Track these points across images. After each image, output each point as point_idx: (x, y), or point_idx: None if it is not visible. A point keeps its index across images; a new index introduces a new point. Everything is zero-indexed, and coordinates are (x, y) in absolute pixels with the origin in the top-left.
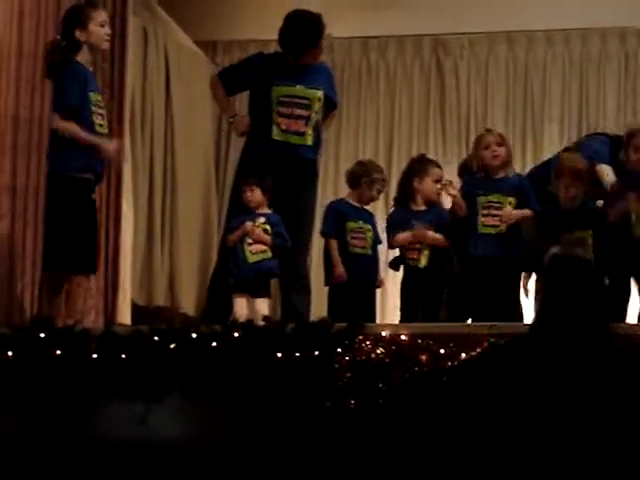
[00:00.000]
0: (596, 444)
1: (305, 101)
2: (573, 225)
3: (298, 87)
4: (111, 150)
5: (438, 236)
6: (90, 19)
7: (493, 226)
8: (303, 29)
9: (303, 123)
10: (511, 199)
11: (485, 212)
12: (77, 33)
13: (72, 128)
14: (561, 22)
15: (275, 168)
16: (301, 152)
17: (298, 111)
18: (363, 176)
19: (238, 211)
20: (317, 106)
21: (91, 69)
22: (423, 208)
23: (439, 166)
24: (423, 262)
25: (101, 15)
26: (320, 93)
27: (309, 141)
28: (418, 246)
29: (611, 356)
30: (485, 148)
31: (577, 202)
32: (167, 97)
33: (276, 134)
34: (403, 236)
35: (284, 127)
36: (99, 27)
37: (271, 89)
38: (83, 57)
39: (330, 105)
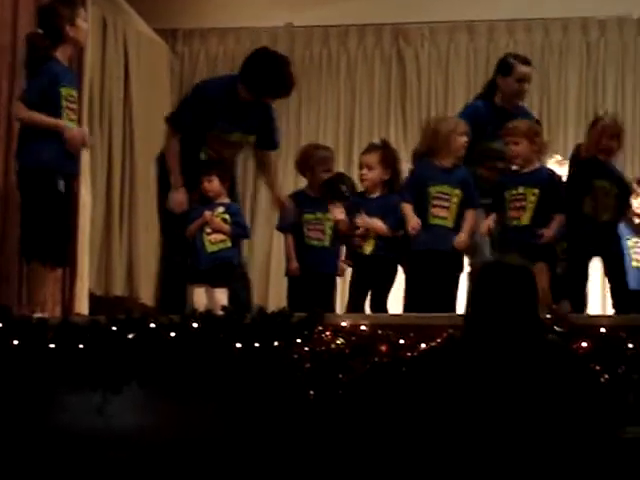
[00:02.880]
0: (529, 433)
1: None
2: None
3: (235, 134)
4: (74, 135)
5: (380, 225)
6: (78, 14)
7: (443, 217)
8: (284, 79)
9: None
10: (457, 191)
11: (435, 203)
12: (67, 28)
13: (35, 116)
14: (522, 12)
15: None
16: None
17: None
18: (304, 161)
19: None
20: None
21: (66, 64)
22: (375, 195)
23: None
24: (368, 249)
25: (83, 11)
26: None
27: None
28: (360, 232)
29: (539, 349)
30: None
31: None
32: (126, 85)
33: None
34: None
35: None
36: (84, 23)
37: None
38: (63, 52)
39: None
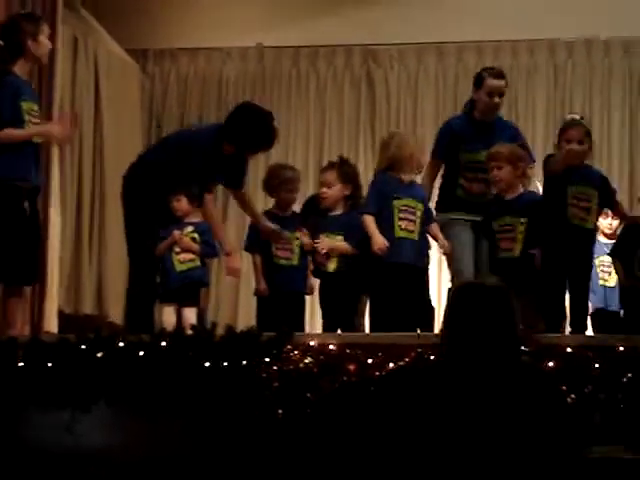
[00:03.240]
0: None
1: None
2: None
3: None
4: (54, 131)
5: (342, 245)
6: (41, 31)
7: (410, 231)
8: (270, 136)
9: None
10: (420, 206)
11: (402, 216)
12: (29, 43)
13: (5, 133)
14: (490, 34)
15: None
16: None
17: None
18: (270, 180)
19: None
20: None
21: (25, 78)
22: (337, 213)
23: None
24: (331, 267)
25: (47, 28)
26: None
27: None
28: (323, 252)
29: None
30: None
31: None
32: (96, 105)
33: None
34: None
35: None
36: (46, 40)
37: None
38: (22, 67)
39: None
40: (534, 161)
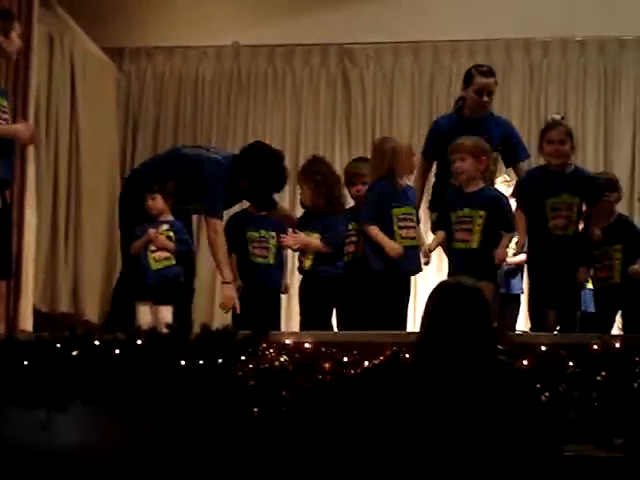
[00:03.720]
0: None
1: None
2: None
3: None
4: (22, 130)
5: (315, 241)
6: (13, 28)
7: (412, 238)
8: (283, 177)
9: None
10: (415, 211)
11: (402, 224)
12: (1, 39)
13: None
14: (466, 33)
15: None
16: None
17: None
18: None
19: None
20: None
21: None
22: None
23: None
24: (307, 264)
25: (19, 27)
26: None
27: None
28: (297, 247)
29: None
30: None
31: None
32: (72, 103)
33: None
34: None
35: None
36: (17, 38)
37: None
38: None
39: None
40: (529, 156)
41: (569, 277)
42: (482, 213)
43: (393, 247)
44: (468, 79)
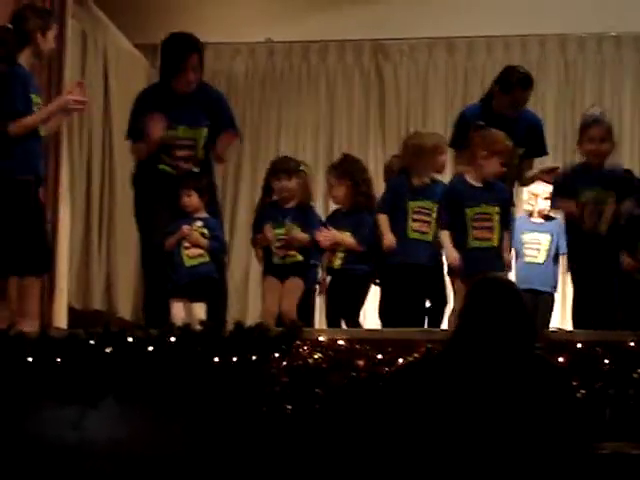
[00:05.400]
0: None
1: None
2: None
3: (181, 129)
4: (69, 100)
5: (347, 239)
6: (50, 28)
7: (424, 232)
8: (168, 51)
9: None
10: (436, 207)
11: (416, 217)
12: (39, 37)
13: (24, 121)
14: (501, 29)
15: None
16: None
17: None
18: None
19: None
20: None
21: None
22: (345, 210)
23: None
24: (336, 263)
25: (55, 28)
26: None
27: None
28: (328, 246)
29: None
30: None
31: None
32: (105, 100)
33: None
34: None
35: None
36: (53, 38)
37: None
38: (27, 59)
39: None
40: (547, 154)
41: (607, 274)
42: (497, 209)
43: (388, 238)
44: (507, 86)
